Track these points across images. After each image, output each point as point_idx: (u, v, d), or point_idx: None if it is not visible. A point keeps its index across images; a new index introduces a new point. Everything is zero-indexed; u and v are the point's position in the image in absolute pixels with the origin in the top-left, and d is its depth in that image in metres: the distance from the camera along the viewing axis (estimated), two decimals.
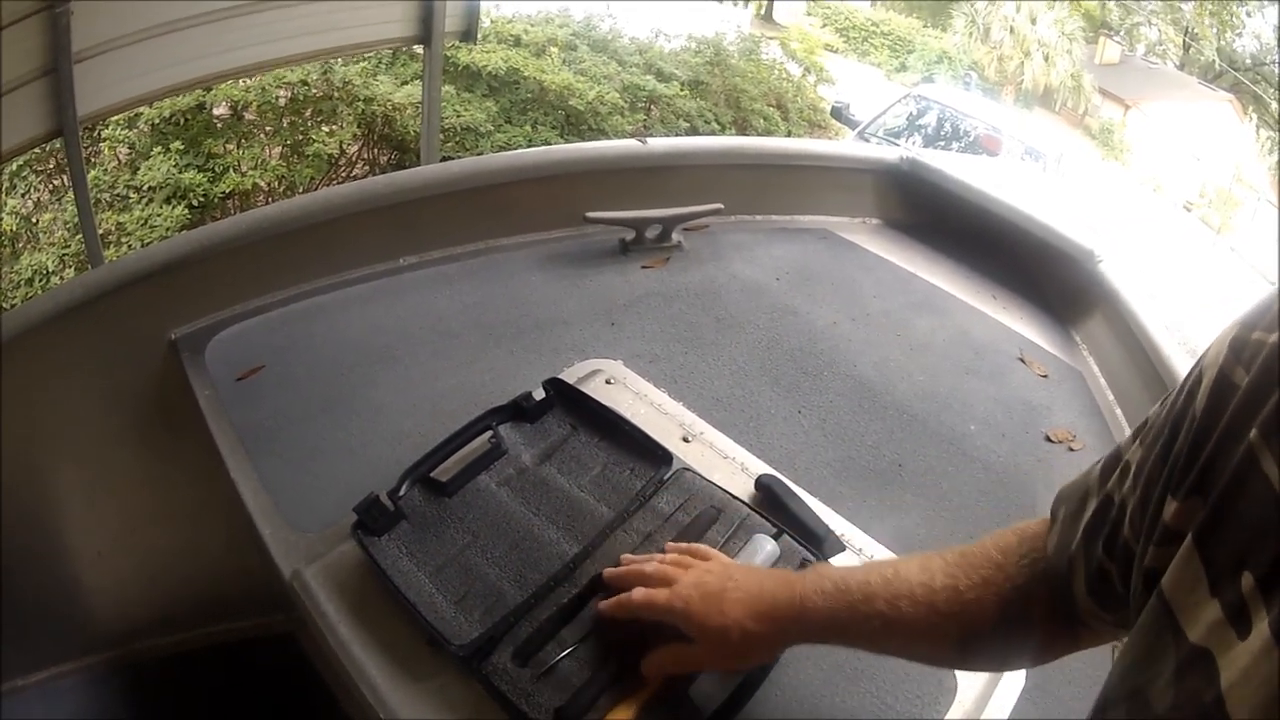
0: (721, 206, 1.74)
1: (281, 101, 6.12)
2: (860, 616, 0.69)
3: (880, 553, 1.02)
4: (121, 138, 5.75)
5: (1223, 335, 0.51)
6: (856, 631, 0.70)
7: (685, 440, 1.14)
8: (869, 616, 0.68)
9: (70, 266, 5.24)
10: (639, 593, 0.79)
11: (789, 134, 9.03)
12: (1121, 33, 18.77)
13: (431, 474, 0.99)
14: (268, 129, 6.14)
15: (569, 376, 1.19)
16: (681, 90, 8.18)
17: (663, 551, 0.88)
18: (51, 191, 5.72)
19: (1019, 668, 0.72)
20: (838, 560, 0.97)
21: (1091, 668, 1.01)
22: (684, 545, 0.88)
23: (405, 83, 6.68)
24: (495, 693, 0.79)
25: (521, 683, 0.79)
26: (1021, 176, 3.20)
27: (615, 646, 0.81)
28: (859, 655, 0.87)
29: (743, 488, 1.05)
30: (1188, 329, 1.58)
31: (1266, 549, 0.42)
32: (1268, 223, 14.04)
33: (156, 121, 5.70)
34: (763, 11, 17.31)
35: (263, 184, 5.90)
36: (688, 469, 1.03)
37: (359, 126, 6.47)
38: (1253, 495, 0.43)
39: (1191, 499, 0.48)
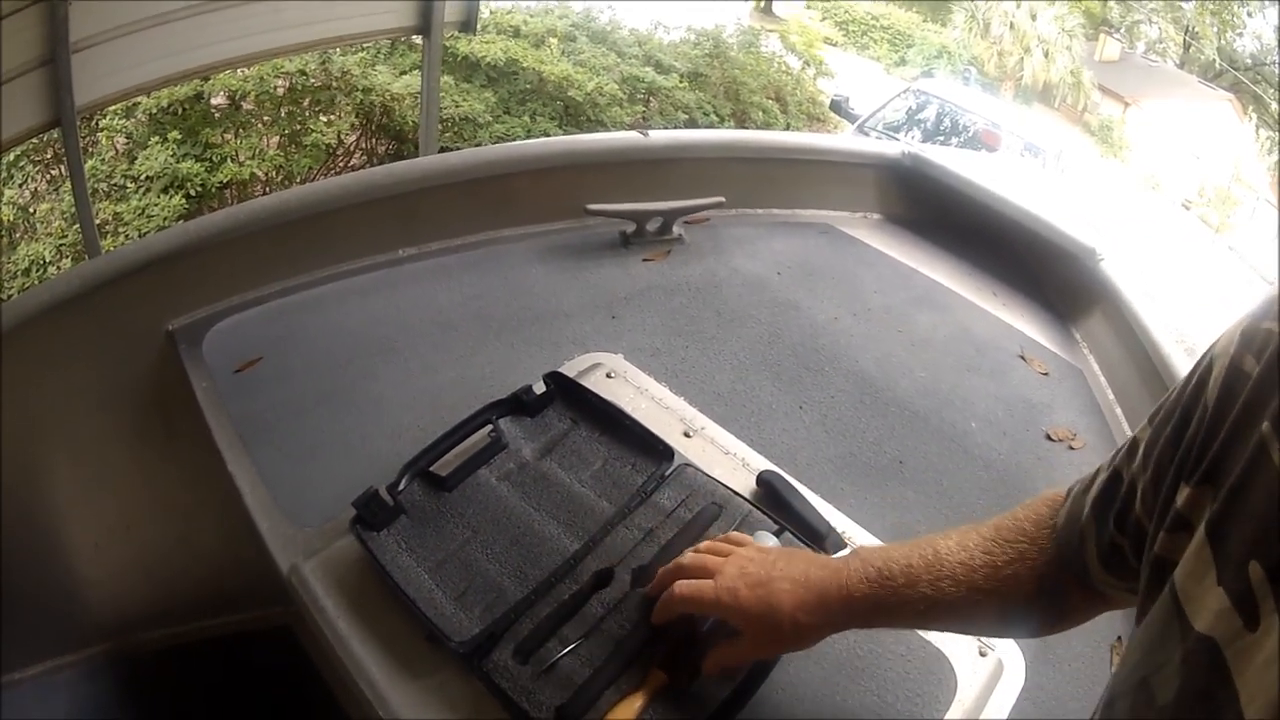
0: (723, 200, 1.73)
1: (280, 91, 6.09)
2: (904, 601, 0.69)
3: None
4: (119, 128, 5.73)
5: (1234, 325, 0.51)
6: (900, 614, 0.71)
7: (686, 435, 1.13)
8: (913, 600, 0.69)
9: (67, 256, 5.22)
10: (682, 585, 0.77)
11: (788, 127, 9.01)
12: (1122, 30, 18.75)
13: (431, 468, 0.99)
14: (265, 119, 6.11)
15: (569, 370, 1.18)
16: (680, 82, 8.15)
17: (667, 552, 0.88)
18: (49, 182, 5.70)
19: (1057, 632, 0.74)
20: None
21: (1091, 667, 1.01)
22: (718, 537, 0.86)
23: (404, 73, 6.65)
24: (496, 690, 0.78)
25: (522, 680, 0.78)
26: (1022, 173, 3.20)
27: (625, 642, 0.81)
28: (859, 654, 0.87)
29: (744, 484, 1.05)
30: (1187, 327, 1.58)
31: (1277, 540, 0.42)
32: (1267, 222, 14.05)
33: (154, 111, 5.67)
34: (762, 5, 17.26)
35: (260, 174, 5.88)
36: (689, 465, 1.03)
37: (357, 116, 6.45)
38: (1263, 486, 0.44)
39: (1202, 487, 0.49)
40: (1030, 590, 0.67)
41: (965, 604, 0.68)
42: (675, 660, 0.79)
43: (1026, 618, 0.70)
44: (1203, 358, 0.54)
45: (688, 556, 0.81)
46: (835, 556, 0.78)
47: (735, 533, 0.87)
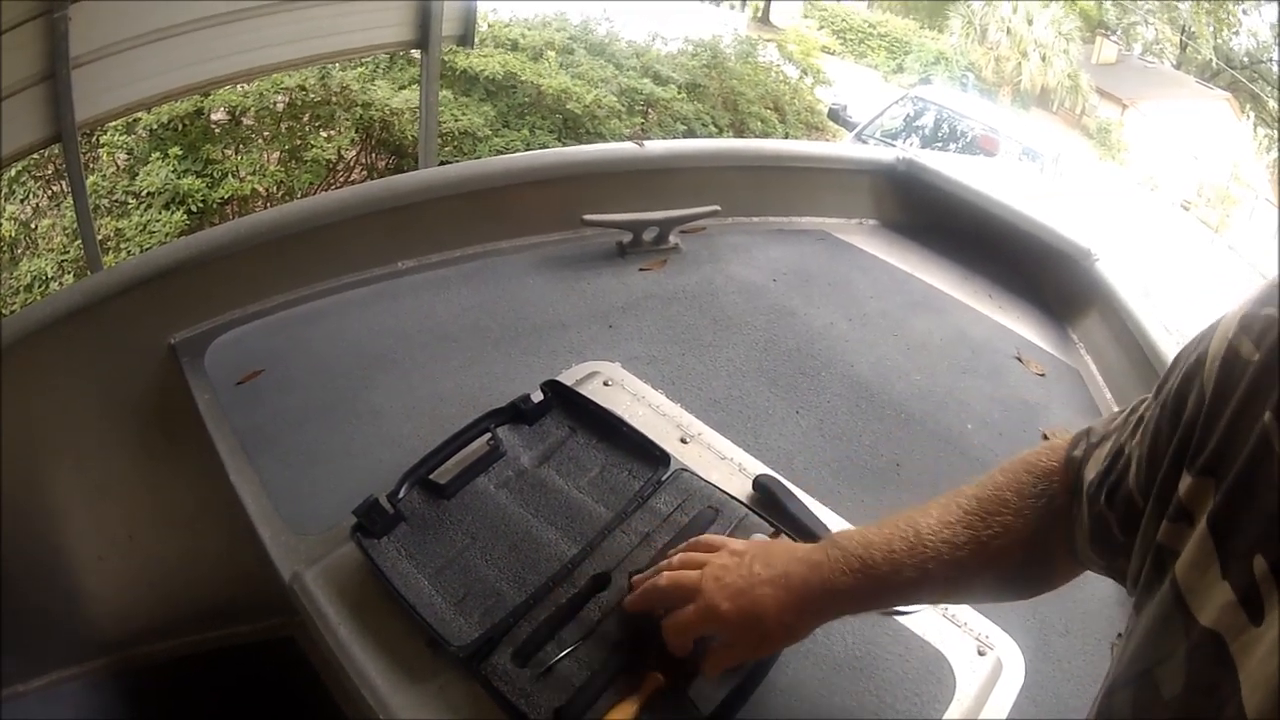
0: (719, 208, 1.75)
1: (279, 107, 6.12)
2: (889, 588, 0.70)
3: None
4: (120, 143, 5.76)
5: (1236, 309, 0.51)
6: (886, 600, 0.73)
7: (683, 441, 1.14)
8: (898, 587, 0.69)
9: (69, 272, 5.24)
10: (667, 622, 0.76)
11: (786, 136, 9.02)
12: (1118, 32, 18.80)
13: (430, 476, 1.00)
14: (266, 134, 6.14)
15: (567, 379, 1.19)
16: (679, 93, 8.18)
17: (664, 556, 0.86)
18: (50, 197, 5.73)
19: (1043, 594, 0.74)
20: None
21: (1091, 665, 1.02)
22: (689, 543, 0.84)
23: (403, 87, 6.68)
24: (495, 693, 0.79)
25: (521, 683, 0.79)
26: (1017, 176, 3.20)
27: (623, 645, 0.82)
28: (858, 654, 0.88)
29: (740, 488, 1.06)
30: (1186, 327, 1.58)
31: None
32: (1266, 221, 14.05)
33: (155, 127, 5.70)
34: (759, 14, 17.35)
35: (261, 189, 5.90)
36: (686, 470, 1.04)
37: (357, 131, 6.47)
38: (1267, 479, 0.43)
39: (1204, 479, 0.48)
40: (1017, 560, 0.67)
41: (952, 581, 0.68)
42: (672, 662, 0.79)
43: (1013, 588, 0.71)
44: (1203, 337, 0.53)
45: (664, 578, 0.78)
46: (814, 546, 0.75)
47: (708, 536, 0.85)
